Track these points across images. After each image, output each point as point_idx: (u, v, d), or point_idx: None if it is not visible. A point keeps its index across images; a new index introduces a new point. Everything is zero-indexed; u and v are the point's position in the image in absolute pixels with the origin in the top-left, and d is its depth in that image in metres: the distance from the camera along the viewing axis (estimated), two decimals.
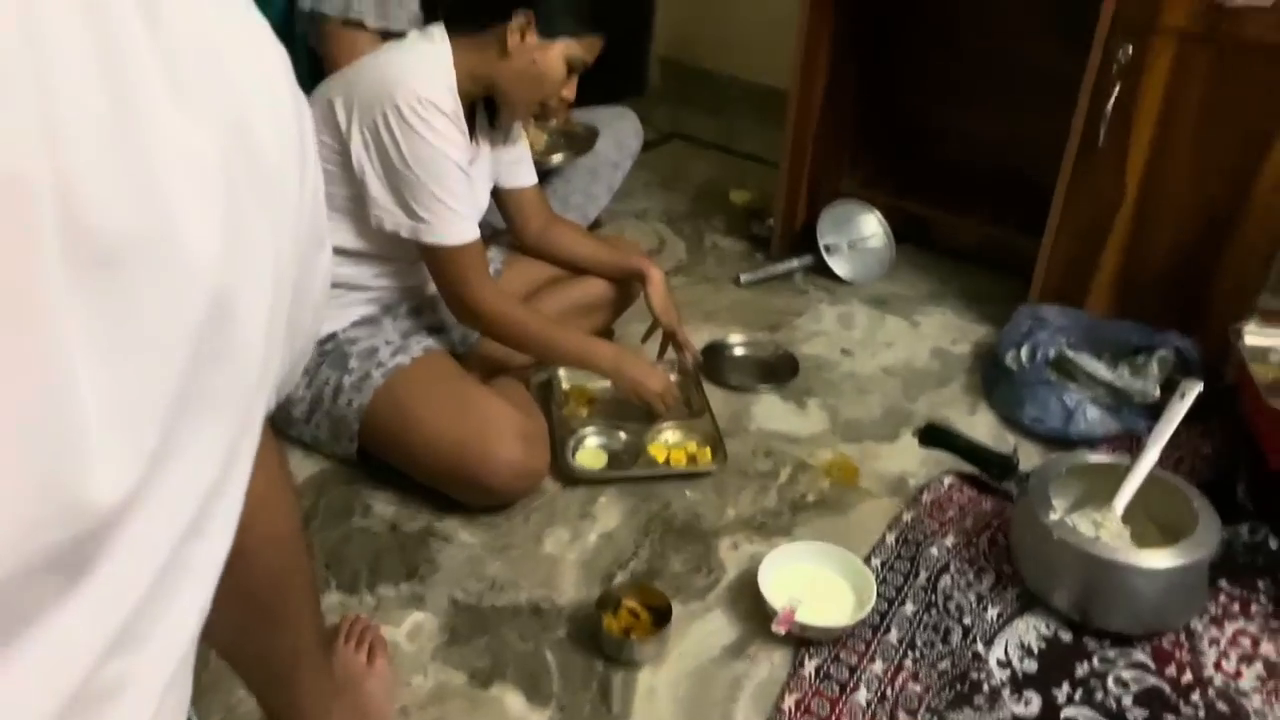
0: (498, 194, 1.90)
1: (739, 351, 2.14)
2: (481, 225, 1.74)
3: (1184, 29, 1.83)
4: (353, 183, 1.63)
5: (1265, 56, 1.78)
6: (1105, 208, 2.01)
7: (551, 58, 1.63)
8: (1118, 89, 1.89)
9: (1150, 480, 1.54)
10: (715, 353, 2.10)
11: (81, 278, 0.37)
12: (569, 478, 1.72)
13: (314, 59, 2.14)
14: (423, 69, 1.61)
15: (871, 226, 2.53)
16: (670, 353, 1.96)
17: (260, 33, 0.49)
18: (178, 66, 0.42)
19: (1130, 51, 1.87)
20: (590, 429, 1.81)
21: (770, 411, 1.95)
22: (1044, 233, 2.09)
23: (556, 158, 2.32)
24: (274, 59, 0.50)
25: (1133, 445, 1.82)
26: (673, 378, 1.91)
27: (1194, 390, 1.60)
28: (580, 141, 2.38)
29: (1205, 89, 1.85)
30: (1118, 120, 1.92)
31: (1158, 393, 1.86)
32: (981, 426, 1.93)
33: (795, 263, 2.46)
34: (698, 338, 2.07)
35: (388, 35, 2.06)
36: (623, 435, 1.80)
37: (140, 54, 0.40)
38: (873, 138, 2.67)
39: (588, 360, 1.79)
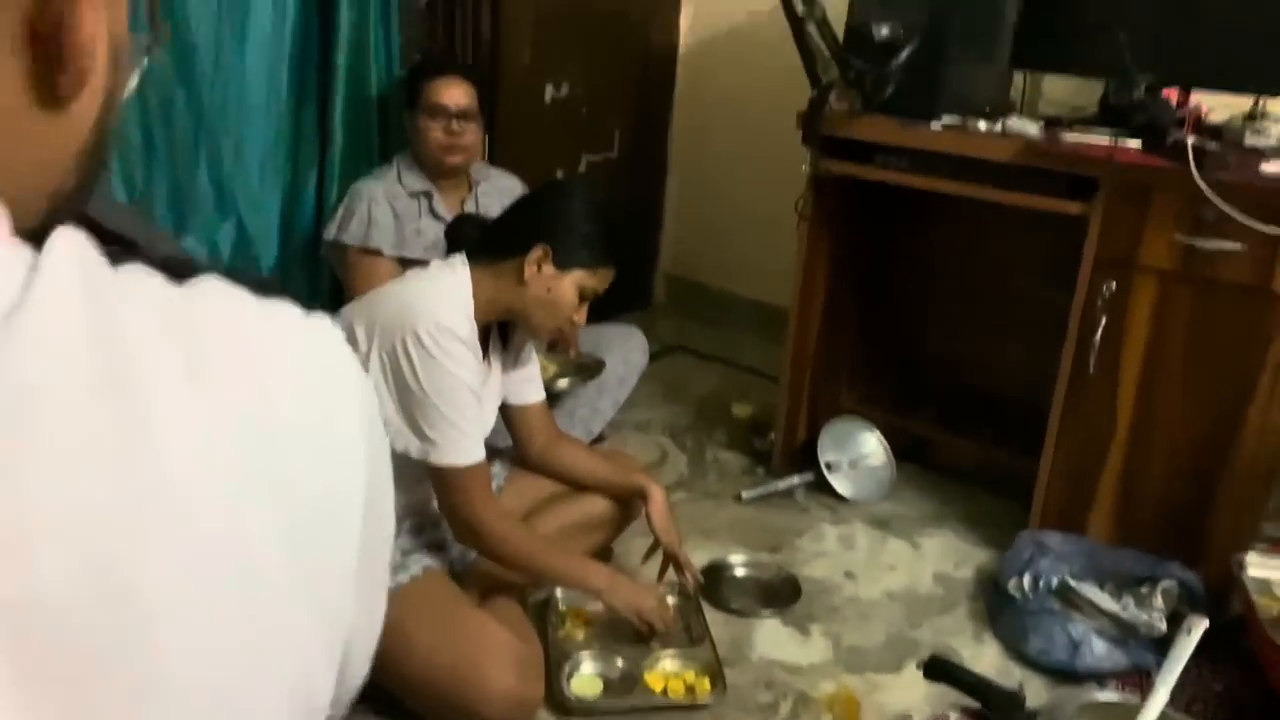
0: (504, 409, 1.94)
1: (740, 573, 2.12)
2: (485, 444, 1.77)
3: (1163, 268, 1.92)
4: None
5: (1241, 296, 1.86)
6: (1100, 435, 2.05)
7: (566, 286, 1.72)
8: (1104, 322, 1.97)
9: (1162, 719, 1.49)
10: (716, 574, 2.09)
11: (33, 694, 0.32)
12: (563, 707, 1.67)
13: (336, 281, 2.25)
14: (443, 297, 1.69)
15: (871, 445, 2.56)
16: (671, 574, 1.94)
17: (329, 370, 0.44)
18: (218, 430, 0.37)
19: (1114, 288, 1.95)
20: (586, 654, 1.78)
21: (772, 638, 1.91)
22: (1041, 457, 2.12)
23: (563, 383, 2.38)
24: (339, 396, 0.44)
25: (1141, 681, 1.78)
26: (672, 600, 1.90)
27: (1200, 627, 1.58)
28: (588, 371, 2.45)
29: (1188, 325, 1.92)
30: (1106, 352, 1.99)
31: (1164, 626, 1.84)
32: (986, 657, 1.89)
33: (796, 479, 2.48)
34: (698, 556, 2.06)
35: (404, 262, 2.17)
36: (619, 662, 1.77)
37: (169, 424, 0.36)
38: (871, 357, 2.75)
39: (582, 584, 1.79)
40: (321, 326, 0.45)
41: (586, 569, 1.80)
